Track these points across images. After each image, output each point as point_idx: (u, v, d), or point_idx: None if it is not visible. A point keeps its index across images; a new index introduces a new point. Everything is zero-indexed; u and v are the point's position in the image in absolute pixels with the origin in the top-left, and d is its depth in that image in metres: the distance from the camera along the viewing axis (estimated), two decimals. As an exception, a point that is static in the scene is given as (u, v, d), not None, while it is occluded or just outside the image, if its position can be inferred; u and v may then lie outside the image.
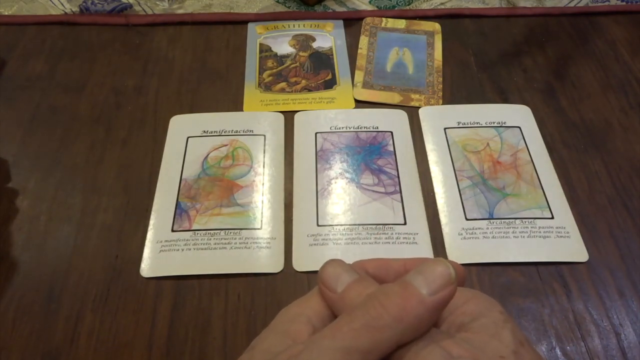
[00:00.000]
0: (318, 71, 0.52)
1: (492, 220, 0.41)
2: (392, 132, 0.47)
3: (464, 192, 0.43)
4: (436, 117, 0.48)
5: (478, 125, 0.47)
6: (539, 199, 0.42)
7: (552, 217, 0.41)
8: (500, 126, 0.47)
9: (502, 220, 0.41)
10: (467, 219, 0.41)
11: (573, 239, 0.40)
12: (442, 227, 0.41)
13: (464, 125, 0.47)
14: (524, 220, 0.41)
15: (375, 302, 0.20)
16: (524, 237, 0.40)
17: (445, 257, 0.39)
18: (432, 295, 0.20)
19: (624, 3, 0.58)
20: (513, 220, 0.41)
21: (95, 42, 0.55)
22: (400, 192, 0.43)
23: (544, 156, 0.45)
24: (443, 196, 0.43)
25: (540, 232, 0.40)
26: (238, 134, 0.46)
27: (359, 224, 0.41)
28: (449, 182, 0.43)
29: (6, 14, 0.56)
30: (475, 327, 0.21)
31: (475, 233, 0.40)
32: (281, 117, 0.48)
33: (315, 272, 0.29)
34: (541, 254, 0.39)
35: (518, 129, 0.47)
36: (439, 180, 0.44)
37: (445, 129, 0.47)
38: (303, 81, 0.51)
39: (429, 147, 0.46)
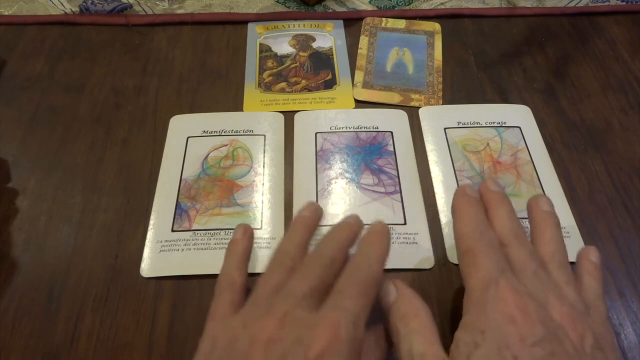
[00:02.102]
0: (318, 71, 0.52)
1: (492, 220, 0.41)
2: (392, 132, 0.47)
3: (464, 192, 0.43)
4: (436, 117, 0.48)
5: (478, 125, 0.47)
6: (539, 199, 0.42)
7: (552, 217, 0.41)
8: (500, 126, 0.47)
9: (502, 220, 0.41)
10: (467, 219, 0.41)
11: (573, 239, 0.40)
12: (442, 227, 0.41)
13: (464, 125, 0.47)
14: (524, 220, 0.41)
15: None
16: (524, 237, 0.40)
17: (445, 257, 0.39)
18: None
19: (624, 3, 0.58)
20: (513, 220, 0.41)
21: (95, 42, 0.55)
22: (400, 192, 0.43)
23: (544, 156, 0.45)
24: (443, 196, 0.43)
25: (540, 232, 0.40)
26: (238, 134, 0.46)
27: (359, 224, 0.41)
28: (449, 182, 0.43)
29: (6, 14, 0.57)
30: None
31: (475, 233, 0.40)
32: (281, 117, 0.48)
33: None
34: (541, 254, 0.39)
35: (518, 129, 0.47)
36: (439, 180, 0.44)
37: (445, 129, 0.47)
38: (303, 81, 0.51)
39: (429, 147, 0.46)
